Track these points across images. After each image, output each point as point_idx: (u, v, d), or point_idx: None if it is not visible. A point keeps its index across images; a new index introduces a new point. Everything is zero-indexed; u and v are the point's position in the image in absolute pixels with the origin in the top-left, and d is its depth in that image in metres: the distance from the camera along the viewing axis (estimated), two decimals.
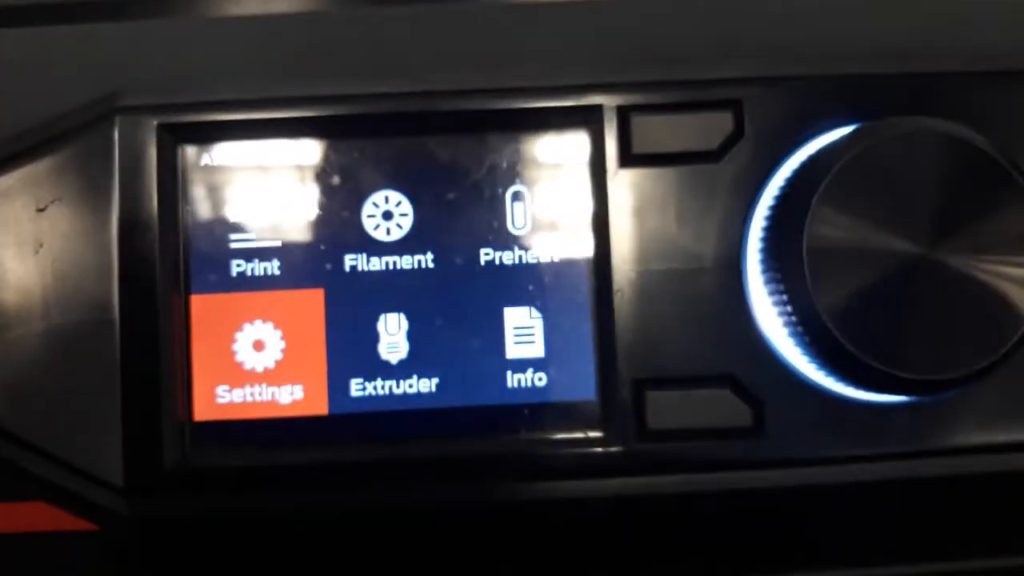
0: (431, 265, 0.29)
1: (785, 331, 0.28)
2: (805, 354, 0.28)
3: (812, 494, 0.29)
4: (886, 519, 0.30)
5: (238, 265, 0.28)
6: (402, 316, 0.29)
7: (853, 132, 0.27)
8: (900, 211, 0.26)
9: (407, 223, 0.29)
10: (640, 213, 0.28)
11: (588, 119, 0.29)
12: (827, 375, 0.28)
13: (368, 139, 0.29)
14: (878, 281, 0.26)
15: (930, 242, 0.26)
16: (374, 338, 0.28)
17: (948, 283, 0.26)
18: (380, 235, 0.29)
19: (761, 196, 0.29)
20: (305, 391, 0.28)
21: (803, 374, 0.28)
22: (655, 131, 0.29)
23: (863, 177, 0.26)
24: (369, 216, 0.29)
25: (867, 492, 0.29)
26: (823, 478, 0.28)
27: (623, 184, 0.29)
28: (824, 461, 0.28)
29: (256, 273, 0.28)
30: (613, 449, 0.28)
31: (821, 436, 0.28)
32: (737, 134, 0.29)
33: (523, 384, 0.29)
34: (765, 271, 0.28)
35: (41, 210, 0.28)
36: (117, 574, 0.29)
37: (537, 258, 0.29)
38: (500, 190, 0.29)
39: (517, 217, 0.29)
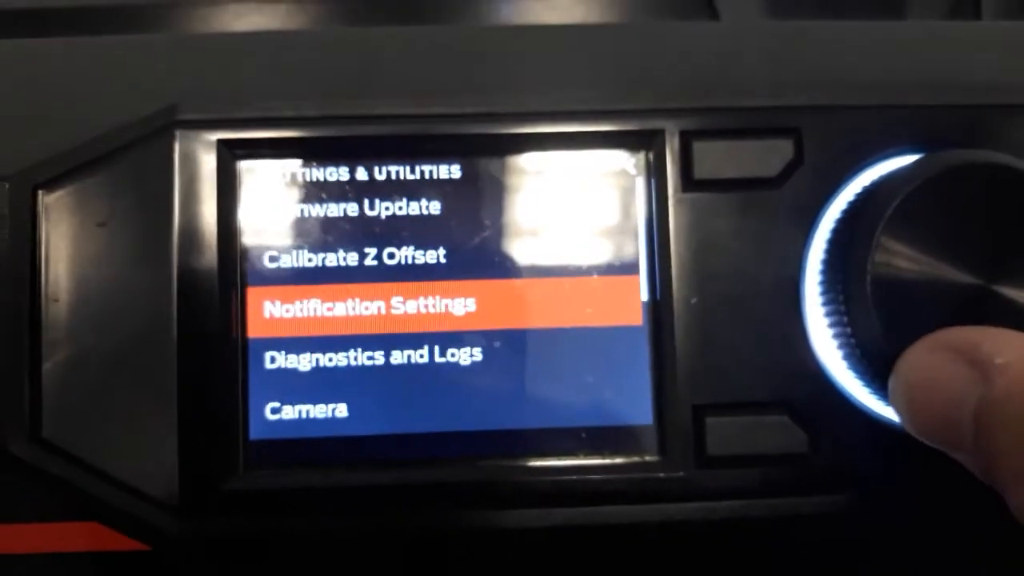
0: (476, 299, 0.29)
1: (843, 359, 0.28)
2: (863, 382, 0.28)
3: (865, 520, 0.29)
4: (942, 549, 0.30)
5: (298, 294, 0.28)
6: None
7: (919, 161, 0.28)
8: (961, 242, 0.26)
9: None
10: (700, 238, 0.29)
11: (651, 143, 0.29)
12: (885, 403, 0.28)
13: (429, 160, 0.29)
14: (939, 311, 0.26)
15: (990, 273, 0.26)
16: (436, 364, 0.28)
17: (1007, 314, 0.26)
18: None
19: (820, 223, 0.29)
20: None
21: (859, 401, 0.28)
22: (716, 157, 0.29)
23: (927, 207, 0.27)
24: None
25: (920, 520, 0.29)
26: (876, 505, 0.28)
27: (684, 209, 0.29)
28: (878, 488, 0.28)
29: (318, 307, 0.28)
30: (673, 475, 0.28)
31: (876, 463, 0.28)
32: (797, 161, 0.29)
33: (581, 407, 0.28)
34: (825, 298, 0.28)
35: (101, 225, 0.27)
36: None
37: (595, 281, 0.29)
38: (561, 212, 0.29)
39: (578, 241, 0.29)
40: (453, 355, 0.28)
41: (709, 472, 0.28)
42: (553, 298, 0.29)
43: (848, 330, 0.27)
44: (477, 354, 0.28)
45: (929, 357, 0.24)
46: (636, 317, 0.29)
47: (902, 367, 0.25)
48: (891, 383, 0.26)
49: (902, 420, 0.25)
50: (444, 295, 0.28)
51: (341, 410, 0.28)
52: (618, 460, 0.28)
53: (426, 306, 0.28)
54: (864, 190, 0.28)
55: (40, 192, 0.28)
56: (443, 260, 0.29)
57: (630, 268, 0.29)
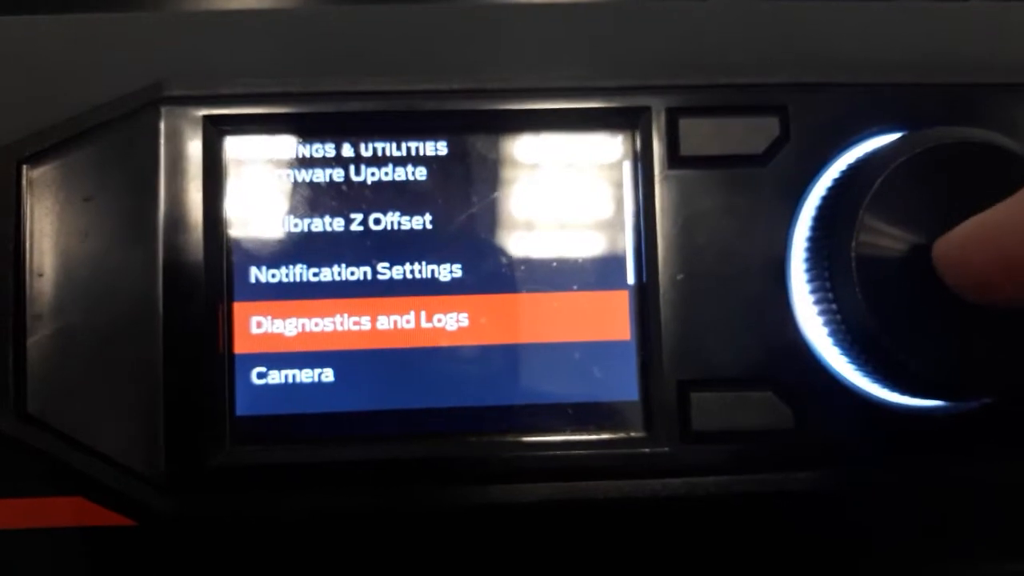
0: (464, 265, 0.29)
1: (828, 335, 0.28)
2: (848, 358, 0.28)
3: (850, 497, 0.29)
4: (926, 523, 0.30)
5: (284, 260, 0.28)
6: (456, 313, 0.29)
7: (901, 139, 0.28)
8: (945, 219, 0.26)
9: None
10: (686, 215, 0.29)
11: (637, 121, 0.29)
12: (870, 380, 0.28)
13: (415, 136, 0.29)
14: (923, 288, 0.26)
15: None
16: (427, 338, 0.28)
17: None
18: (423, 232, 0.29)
19: (806, 200, 0.29)
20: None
21: (844, 378, 0.28)
22: (703, 134, 0.29)
23: (909, 185, 0.27)
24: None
25: (905, 495, 0.29)
26: (862, 481, 0.29)
27: (670, 186, 0.29)
28: (863, 464, 0.29)
29: (304, 272, 0.28)
30: (658, 450, 0.28)
31: (861, 439, 0.29)
32: (783, 139, 0.29)
33: (567, 384, 0.29)
34: (810, 275, 0.28)
35: (87, 199, 0.27)
36: (154, 571, 0.29)
37: (582, 258, 0.29)
38: (547, 189, 0.29)
39: (562, 217, 0.29)
40: (439, 320, 0.28)
41: (694, 447, 0.28)
42: (540, 270, 0.29)
43: (833, 306, 0.27)
44: (463, 319, 0.28)
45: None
46: (623, 293, 0.29)
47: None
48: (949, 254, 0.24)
49: (978, 283, 0.24)
50: (430, 264, 0.29)
51: (327, 375, 0.28)
52: (604, 436, 0.28)
53: (412, 271, 0.29)
54: (849, 168, 0.28)
55: (25, 166, 0.28)
56: (429, 227, 0.29)
57: (616, 245, 0.29)
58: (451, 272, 0.29)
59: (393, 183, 0.29)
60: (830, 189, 0.28)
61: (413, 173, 0.29)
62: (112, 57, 0.29)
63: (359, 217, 0.29)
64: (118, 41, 0.29)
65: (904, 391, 0.28)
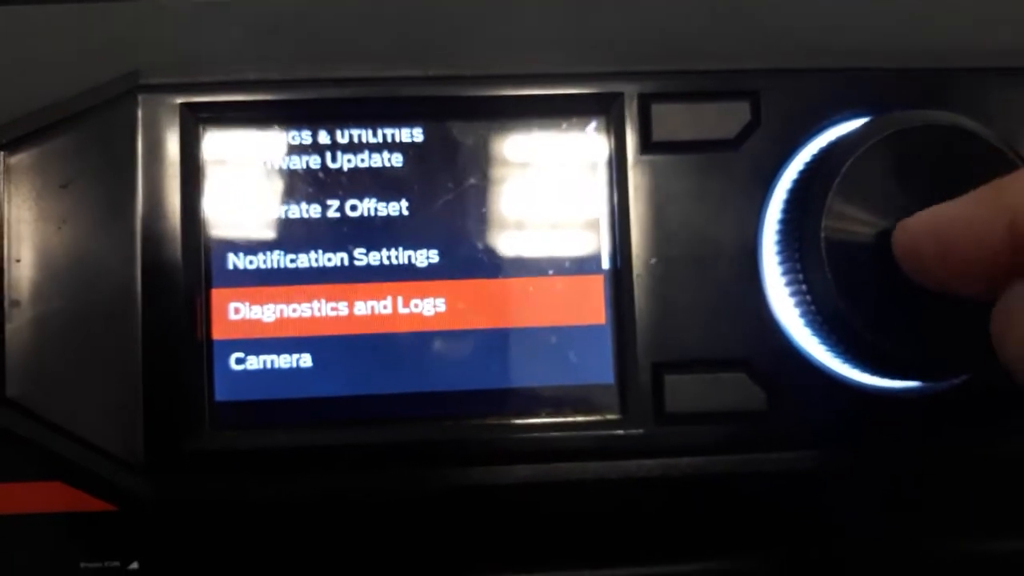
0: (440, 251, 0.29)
1: (800, 317, 0.28)
2: (819, 339, 0.28)
3: (823, 477, 0.29)
4: (897, 502, 0.31)
5: (261, 247, 0.28)
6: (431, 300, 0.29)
7: (867, 124, 0.28)
8: (913, 200, 0.27)
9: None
10: (659, 200, 0.29)
11: (610, 106, 0.29)
12: (841, 360, 0.28)
13: (389, 123, 0.29)
14: (892, 269, 0.26)
15: None
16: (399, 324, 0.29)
17: None
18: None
19: (777, 184, 0.29)
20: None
21: (816, 359, 0.29)
22: (675, 119, 0.29)
23: (877, 168, 0.27)
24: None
25: (877, 476, 0.29)
26: (834, 462, 0.29)
27: (643, 171, 0.29)
28: (835, 445, 0.29)
29: (281, 258, 0.28)
30: (632, 432, 0.28)
31: (833, 420, 0.29)
32: (754, 123, 0.29)
33: (543, 367, 0.29)
34: (781, 258, 0.28)
35: (64, 187, 0.28)
36: (134, 556, 0.29)
37: (557, 243, 0.29)
38: (522, 175, 0.29)
39: (537, 202, 0.29)
40: (416, 306, 0.29)
41: (668, 429, 0.28)
42: (516, 255, 0.29)
43: (804, 287, 0.27)
44: (440, 305, 0.29)
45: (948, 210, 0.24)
46: (598, 278, 0.29)
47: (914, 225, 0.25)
48: (902, 240, 0.25)
49: (923, 269, 0.25)
50: (407, 249, 0.29)
51: (305, 360, 0.28)
52: (580, 418, 0.29)
53: (388, 257, 0.29)
54: (818, 152, 0.29)
55: (3, 153, 0.28)
56: (405, 213, 0.29)
57: (591, 230, 0.29)
58: (428, 258, 0.29)
59: (369, 169, 0.29)
60: (801, 173, 0.29)
61: (389, 160, 0.29)
62: (90, 45, 0.29)
63: (336, 203, 0.29)
64: (96, 29, 0.30)
65: (875, 371, 0.28)
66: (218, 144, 0.29)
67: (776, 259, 0.29)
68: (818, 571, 0.32)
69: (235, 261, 0.29)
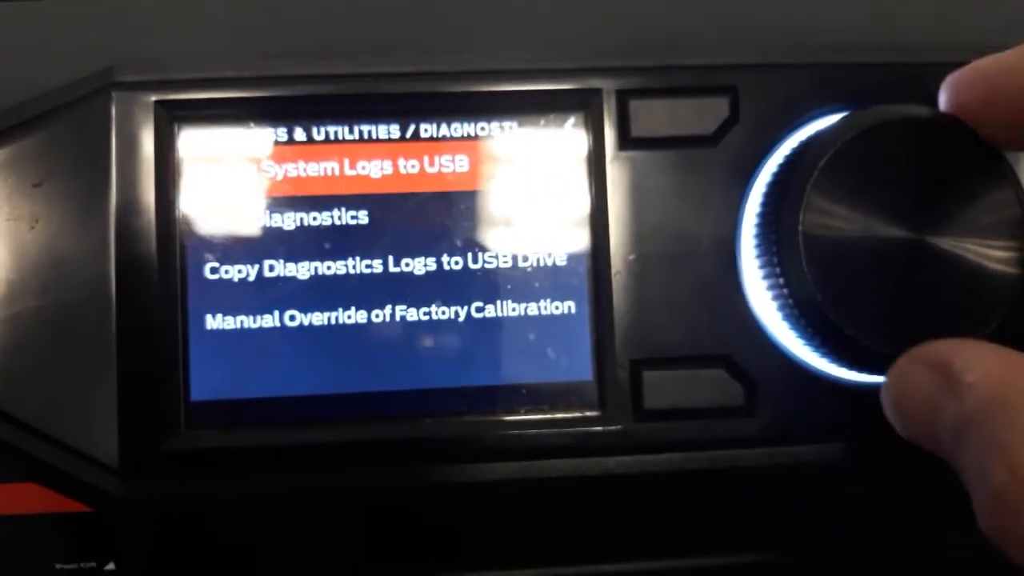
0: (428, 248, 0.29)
1: (779, 313, 0.28)
2: (798, 335, 0.28)
3: (803, 473, 0.29)
4: (877, 498, 0.31)
5: (236, 246, 0.28)
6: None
7: (845, 119, 0.28)
8: (891, 195, 0.27)
9: None
10: (637, 196, 0.29)
11: (587, 102, 0.29)
12: (820, 355, 0.28)
13: (365, 119, 0.29)
14: (870, 264, 0.26)
15: (920, 225, 0.27)
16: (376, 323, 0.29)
17: (937, 265, 0.27)
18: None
19: (755, 180, 0.29)
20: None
21: (794, 355, 0.29)
22: (653, 115, 0.29)
23: (855, 162, 0.27)
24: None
25: (856, 471, 0.29)
26: (814, 457, 0.29)
27: (621, 167, 0.29)
28: (815, 441, 0.29)
29: (258, 258, 0.28)
30: (611, 428, 0.28)
31: (812, 415, 0.29)
32: (733, 119, 0.29)
33: (521, 364, 0.29)
34: (760, 254, 0.28)
35: (37, 185, 0.27)
36: (110, 557, 0.29)
37: (534, 240, 0.29)
38: (499, 171, 0.29)
39: (515, 199, 0.29)
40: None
41: (647, 425, 0.28)
42: (494, 252, 0.29)
43: (781, 281, 0.27)
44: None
45: (911, 369, 0.24)
46: (576, 273, 0.29)
47: (891, 375, 0.25)
48: (881, 390, 0.26)
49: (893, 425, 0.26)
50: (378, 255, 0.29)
51: (282, 359, 0.28)
52: (559, 415, 0.29)
53: (368, 266, 0.29)
54: (797, 147, 0.29)
55: None
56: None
57: (569, 225, 0.29)
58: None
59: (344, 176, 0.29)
60: (779, 168, 0.29)
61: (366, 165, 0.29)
62: (63, 42, 0.29)
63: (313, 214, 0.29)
64: (70, 26, 0.29)
65: (853, 366, 0.28)
66: (193, 142, 0.28)
67: (754, 254, 0.29)
68: (796, 569, 0.32)
69: (211, 261, 0.28)
